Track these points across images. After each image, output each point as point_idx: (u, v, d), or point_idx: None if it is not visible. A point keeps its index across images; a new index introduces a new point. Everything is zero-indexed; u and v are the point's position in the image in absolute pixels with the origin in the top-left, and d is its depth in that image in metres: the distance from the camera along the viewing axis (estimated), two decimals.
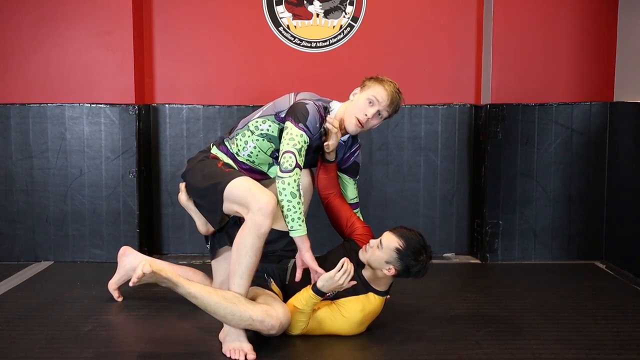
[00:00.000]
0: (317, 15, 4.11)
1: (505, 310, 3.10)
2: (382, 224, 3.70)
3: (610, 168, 3.93)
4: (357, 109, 2.80)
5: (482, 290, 3.44)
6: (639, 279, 3.53)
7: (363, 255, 2.72)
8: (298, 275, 2.76)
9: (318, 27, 4.11)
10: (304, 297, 2.63)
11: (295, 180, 2.64)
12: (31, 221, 3.96)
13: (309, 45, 4.12)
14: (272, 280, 2.79)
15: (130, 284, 2.44)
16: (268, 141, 2.84)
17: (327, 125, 2.81)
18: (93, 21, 3.90)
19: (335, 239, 3.06)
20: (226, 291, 2.56)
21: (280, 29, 4.11)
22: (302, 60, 4.12)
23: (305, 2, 4.10)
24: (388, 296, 2.80)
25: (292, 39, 4.12)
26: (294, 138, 2.68)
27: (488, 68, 3.97)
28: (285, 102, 2.84)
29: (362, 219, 3.02)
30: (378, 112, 2.80)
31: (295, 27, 4.11)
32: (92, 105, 3.92)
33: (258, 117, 2.86)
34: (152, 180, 4.11)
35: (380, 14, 4.11)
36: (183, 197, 3.04)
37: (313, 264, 2.69)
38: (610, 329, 2.85)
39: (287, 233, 2.75)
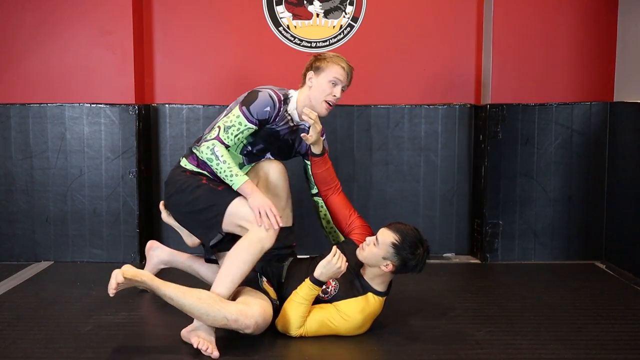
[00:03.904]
0: (317, 15, 4.11)
1: (505, 310, 3.10)
2: (382, 224, 3.68)
3: (610, 168, 3.93)
4: (322, 93, 2.89)
5: (482, 290, 3.43)
6: (639, 279, 3.53)
7: (360, 254, 2.71)
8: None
9: (318, 27, 4.11)
10: (302, 291, 2.64)
11: (208, 147, 2.75)
12: (31, 221, 3.96)
13: (309, 45, 4.12)
14: (264, 279, 2.81)
15: (110, 294, 2.51)
16: None
17: (304, 117, 2.85)
18: (93, 21, 3.90)
19: None
20: (202, 291, 2.60)
21: (280, 29, 4.11)
22: (302, 60, 4.05)
23: (305, 2, 4.10)
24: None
25: (292, 39, 4.12)
26: (230, 116, 2.80)
27: (488, 68, 3.97)
28: (244, 95, 2.91)
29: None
30: (342, 89, 2.91)
31: (295, 27, 4.11)
32: (92, 105, 3.92)
33: (223, 117, 2.89)
34: (152, 180, 4.11)
35: (380, 14, 4.11)
36: (165, 215, 3.12)
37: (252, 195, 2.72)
38: (610, 329, 2.85)
39: (285, 229, 2.87)
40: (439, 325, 2.88)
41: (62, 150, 3.93)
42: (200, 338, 2.54)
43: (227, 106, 2.99)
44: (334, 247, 2.66)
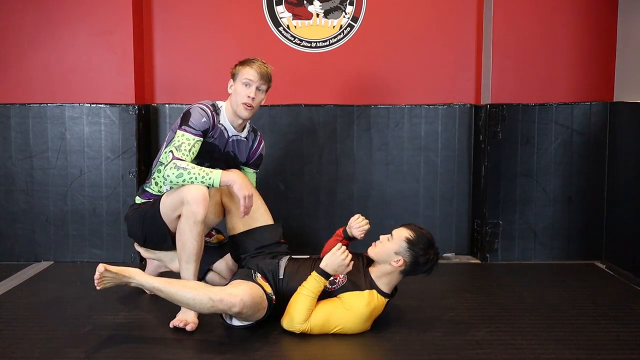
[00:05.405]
0: (317, 15, 4.11)
1: (505, 310, 3.10)
2: (382, 224, 3.71)
3: (610, 168, 3.93)
4: (239, 96, 3.03)
5: (482, 290, 3.43)
6: (639, 279, 3.53)
7: (372, 250, 2.77)
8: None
9: (318, 27, 4.11)
10: (308, 283, 2.67)
11: (170, 168, 2.82)
12: (31, 221, 3.96)
13: (309, 45, 4.12)
14: (259, 274, 2.83)
15: (98, 288, 2.57)
16: None
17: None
18: (93, 21, 3.90)
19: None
20: (188, 280, 2.77)
21: (280, 29, 4.11)
22: (302, 60, 4.12)
23: (305, 2, 4.10)
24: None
25: (292, 39, 4.12)
26: (176, 139, 2.92)
27: (488, 68, 3.97)
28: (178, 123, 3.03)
29: None
30: (257, 89, 3.03)
31: (295, 27, 4.11)
32: (92, 105, 3.92)
33: (165, 149, 3.05)
34: None
35: (380, 14, 4.11)
36: (142, 252, 3.19)
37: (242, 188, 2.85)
38: (610, 329, 2.85)
39: (268, 227, 3.06)
40: (439, 325, 2.88)
41: (62, 150, 3.93)
42: (176, 319, 2.79)
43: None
44: (339, 243, 2.72)
